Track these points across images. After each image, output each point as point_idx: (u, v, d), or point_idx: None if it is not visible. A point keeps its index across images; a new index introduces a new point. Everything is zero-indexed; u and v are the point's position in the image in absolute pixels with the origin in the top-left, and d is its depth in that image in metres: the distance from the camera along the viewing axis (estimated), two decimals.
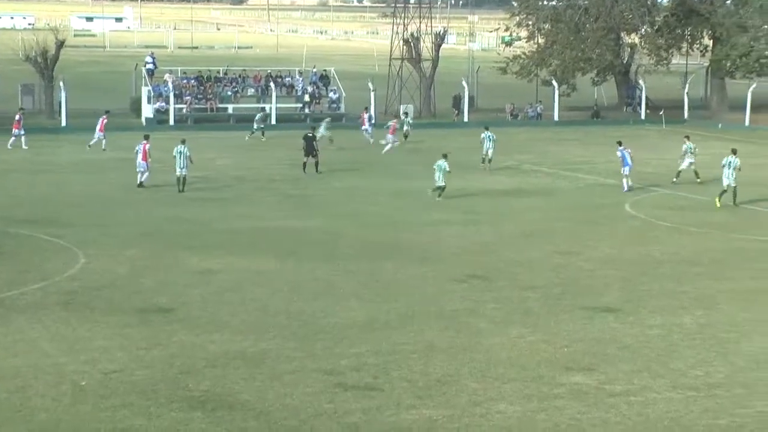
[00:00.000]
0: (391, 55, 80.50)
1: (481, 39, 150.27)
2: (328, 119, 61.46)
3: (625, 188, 46.49)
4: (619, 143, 47.53)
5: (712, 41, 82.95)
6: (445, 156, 44.47)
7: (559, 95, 77.44)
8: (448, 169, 43.85)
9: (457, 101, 77.74)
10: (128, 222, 38.22)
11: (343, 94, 74.53)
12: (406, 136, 61.52)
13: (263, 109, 68.43)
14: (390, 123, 59.47)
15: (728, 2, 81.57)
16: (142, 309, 26.88)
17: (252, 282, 29.81)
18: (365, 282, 30.14)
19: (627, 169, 46.48)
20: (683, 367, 23.12)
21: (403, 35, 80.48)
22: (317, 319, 26.27)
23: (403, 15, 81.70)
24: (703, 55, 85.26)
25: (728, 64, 78.97)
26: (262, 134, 62.93)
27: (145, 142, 45.51)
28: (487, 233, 37.60)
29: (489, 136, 52.72)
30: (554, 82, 78.03)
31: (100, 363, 22.64)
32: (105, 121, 58.20)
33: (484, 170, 51.83)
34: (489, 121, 64.61)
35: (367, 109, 62.91)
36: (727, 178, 43.34)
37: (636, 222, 40.31)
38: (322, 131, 56.81)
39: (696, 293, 29.49)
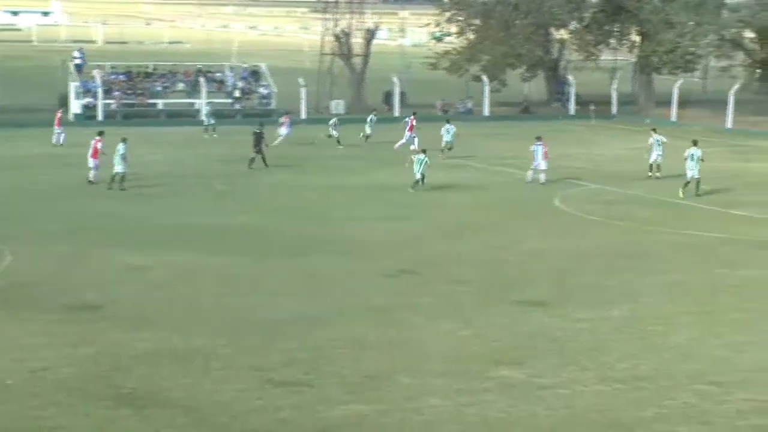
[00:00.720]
0: (322, 51, 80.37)
1: (412, 35, 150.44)
2: (335, 119, 61.22)
3: (529, 179, 47.44)
4: (538, 138, 48.09)
5: (639, 37, 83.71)
6: (424, 151, 46.19)
7: (490, 91, 77.77)
8: (427, 160, 45.21)
9: (387, 97, 77.78)
10: (56, 218, 37.85)
11: (274, 89, 74.29)
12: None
13: (210, 104, 67.91)
14: (281, 119, 59.50)
15: None
16: (70, 306, 26.65)
17: (181, 278, 29.67)
18: (296, 277, 30.12)
19: (537, 164, 47.30)
20: (610, 360, 23.36)
21: (334, 31, 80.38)
22: (247, 315, 26.21)
23: (333, 10, 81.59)
24: (630, 51, 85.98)
25: (655, 60, 79.73)
26: (213, 130, 62.42)
27: (97, 138, 44.92)
28: (418, 228, 37.72)
29: (448, 129, 55.15)
30: (484, 78, 78.36)
31: (27, 361, 22.42)
32: (60, 115, 57.87)
33: (442, 159, 52.76)
34: (444, 115, 64.68)
35: (288, 113, 61.76)
36: (691, 170, 44.28)
37: (565, 216, 40.63)
38: (332, 131, 58.71)
39: (623, 287, 29.81)
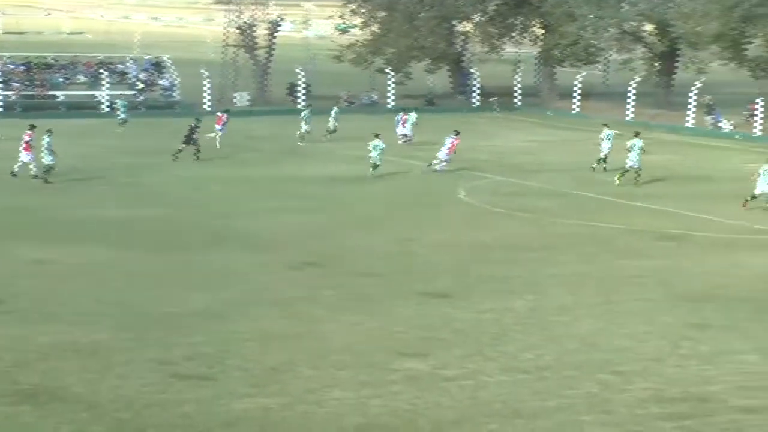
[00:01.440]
0: (225, 42, 79.88)
1: (317, 27, 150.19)
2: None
3: (426, 167, 48.32)
4: (456, 132, 48.51)
5: (542, 30, 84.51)
6: (377, 135, 47.45)
7: (394, 83, 77.94)
8: (382, 146, 46.99)
9: (292, 89, 77.60)
10: None
11: (177, 81, 73.69)
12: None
13: (123, 95, 67.03)
14: (218, 114, 58.86)
15: None
16: None
17: (84, 272, 29.32)
18: (200, 271, 29.92)
19: (442, 154, 48.05)
20: (514, 350, 23.57)
21: (238, 22, 79.94)
22: (151, 309, 25.98)
23: (237, 2, 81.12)
24: (533, 44, 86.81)
25: (558, 53, 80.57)
26: (124, 123, 61.60)
27: (29, 132, 44.16)
28: (322, 220, 37.69)
29: (403, 118, 58.66)
30: (389, 70, 78.52)
31: None
32: None
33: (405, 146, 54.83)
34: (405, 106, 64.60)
35: (227, 112, 60.07)
36: (631, 160, 45.44)
37: (469, 208, 40.89)
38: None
39: (526, 278, 30.08)
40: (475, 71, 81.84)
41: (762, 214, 39.81)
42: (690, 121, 68.15)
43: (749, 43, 70.69)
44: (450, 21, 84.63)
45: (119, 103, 63.34)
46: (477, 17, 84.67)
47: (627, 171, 45.38)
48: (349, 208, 40.23)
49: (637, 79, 73.46)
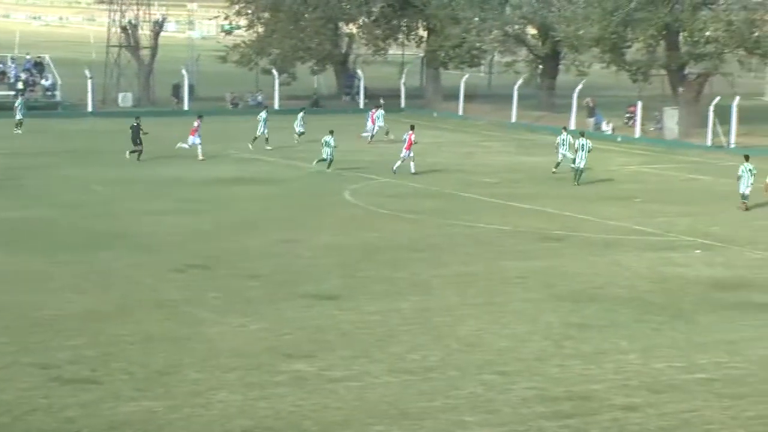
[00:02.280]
0: (108, 43, 78.83)
1: (201, 27, 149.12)
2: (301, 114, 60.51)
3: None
4: (331, 132, 48.68)
5: (427, 32, 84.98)
6: (331, 132, 49.51)
7: (280, 84, 77.73)
8: (334, 144, 48.91)
9: (176, 89, 76.88)
10: None
11: (59, 81, 72.56)
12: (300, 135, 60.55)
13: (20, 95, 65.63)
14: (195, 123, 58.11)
15: None
16: None
17: None
18: (82, 273, 29.52)
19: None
20: (400, 351, 23.65)
21: (121, 22, 78.97)
22: (32, 312, 25.53)
23: (120, 1, 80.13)
24: (418, 46, 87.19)
25: (442, 55, 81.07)
26: (20, 123, 60.29)
27: None
28: (207, 222, 37.43)
29: (381, 114, 61.19)
30: (274, 71, 78.27)
31: None
32: None
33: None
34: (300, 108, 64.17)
35: (200, 117, 58.55)
36: (580, 159, 47.07)
37: (355, 210, 40.95)
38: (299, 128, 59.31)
39: (412, 279, 30.22)
40: (360, 73, 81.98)
41: (642, 215, 40.52)
42: (572, 123, 69.07)
43: (629, 47, 71.86)
44: (335, 22, 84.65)
45: (18, 103, 62.10)
46: (362, 19, 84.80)
47: (581, 170, 47.02)
48: (234, 209, 40.00)
49: (520, 81, 74.23)
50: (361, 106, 78.56)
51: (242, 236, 35.27)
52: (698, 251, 34.53)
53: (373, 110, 62.51)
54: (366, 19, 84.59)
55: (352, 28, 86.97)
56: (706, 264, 32.87)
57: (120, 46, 78.00)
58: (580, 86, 69.74)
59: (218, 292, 28.10)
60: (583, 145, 47.21)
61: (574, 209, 41.17)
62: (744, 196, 42.57)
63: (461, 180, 47.66)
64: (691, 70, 70.35)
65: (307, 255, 32.97)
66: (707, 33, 68.27)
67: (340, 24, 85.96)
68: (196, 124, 52.51)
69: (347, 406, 20.32)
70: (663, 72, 70.27)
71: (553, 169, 49.73)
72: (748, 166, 43.00)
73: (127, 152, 50.92)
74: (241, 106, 76.63)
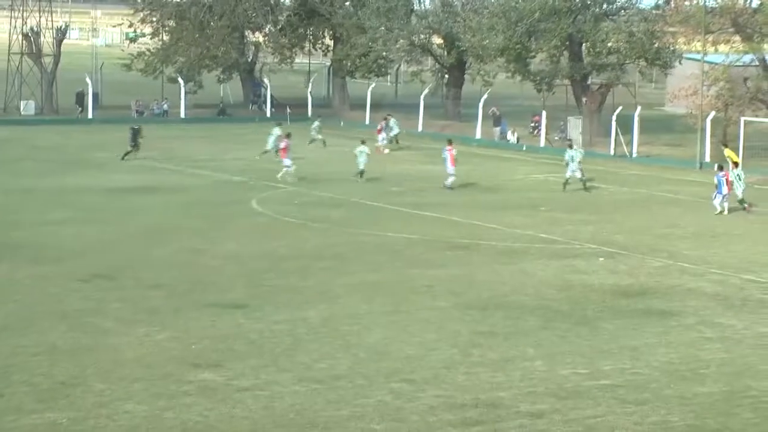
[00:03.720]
0: (9, 50, 77.69)
1: (105, 34, 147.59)
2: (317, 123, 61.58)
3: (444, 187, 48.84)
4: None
5: (333, 41, 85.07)
6: (363, 142, 50.79)
7: (186, 92, 77.24)
8: (368, 151, 50.08)
9: (80, 98, 76.01)
10: None
11: None
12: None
13: None
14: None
15: (347, 3, 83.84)
16: None
17: None
18: None
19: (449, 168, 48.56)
20: (308, 360, 23.60)
21: (23, 29, 77.87)
22: None
23: (21, 8, 79.04)
24: (325, 55, 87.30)
25: (349, 64, 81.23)
26: None
27: None
28: (111, 231, 37.04)
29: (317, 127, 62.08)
30: (180, 80, 77.75)
31: None
32: None
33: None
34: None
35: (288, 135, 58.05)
36: (572, 171, 48.80)
37: (262, 218, 40.81)
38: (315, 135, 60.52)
39: (319, 287, 30.18)
40: (267, 81, 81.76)
41: (547, 224, 40.91)
42: (478, 132, 69.59)
43: (533, 57, 72.68)
44: (241, 31, 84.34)
45: None
46: (268, 27, 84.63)
47: (568, 180, 48.94)
48: (138, 219, 39.62)
49: (426, 90, 74.63)
50: (268, 114, 78.35)
51: (148, 245, 34.95)
52: (602, 259, 34.95)
53: (382, 122, 63.35)
54: (272, 28, 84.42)
55: (258, 37, 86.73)
56: (609, 271, 33.29)
57: (22, 54, 76.92)
58: (485, 96, 70.29)
59: (123, 302, 27.81)
60: (572, 156, 49.12)
61: (480, 218, 41.44)
62: (742, 201, 44.63)
63: (368, 189, 47.73)
64: (594, 80, 71.37)
65: (213, 264, 32.77)
66: (609, 44, 69.42)
67: (247, 32, 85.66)
68: (284, 144, 50.92)
69: (255, 416, 20.21)
70: (567, 82, 71.18)
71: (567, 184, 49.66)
72: (737, 172, 45.06)
73: (125, 153, 53.18)
74: (146, 114, 75.98)
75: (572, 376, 23.02)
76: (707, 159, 58.29)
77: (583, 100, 69.39)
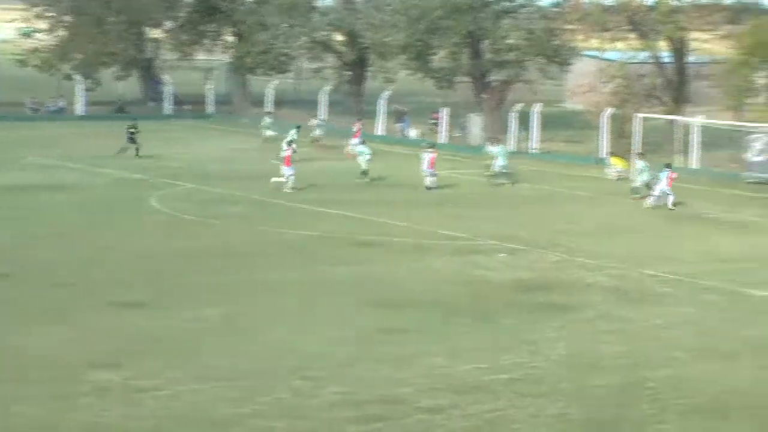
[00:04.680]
0: None
1: (1, 30, 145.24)
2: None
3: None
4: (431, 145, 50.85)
5: (234, 38, 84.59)
6: (363, 142, 52.19)
7: (83, 89, 76.23)
8: (369, 151, 50.44)
9: None
10: None
11: None
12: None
13: None
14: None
15: (249, 0, 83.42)
16: None
17: None
18: None
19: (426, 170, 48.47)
20: (209, 358, 23.47)
21: None
22: None
23: None
24: (226, 52, 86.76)
25: (249, 61, 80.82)
26: None
27: None
28: (10, 230, 36.48)
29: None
30: (77, 76, 76.71)
31: None
32: None
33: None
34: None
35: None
36: (499, 166, 50.50)
37: (163, 216, 40.46)
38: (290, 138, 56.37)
39: (221, 285, 30.01)
40: (167, 78, 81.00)
41: (450, 220, 41.13)
42: (380, 129, 69.72)
43: (434, 54, 73.01)
44: (140, 27, 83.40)
45: None
46: (168, 24, 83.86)
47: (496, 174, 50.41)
48: (39, 217, 39.06)
49: (328, 87, 74.56)
50: (168, 112, 77.65)
51: (47, 244, 34.49)
52: (503, 255, 35.25)
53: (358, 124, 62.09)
54: (172, 24, 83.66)
55: (157, 33, 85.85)
56: (510, 267, 33.59)
57: None
58: (387, 93, 70.43)
59: (23, 300, 27.46)
60: (500, 151, 51.24)
61: (384, 215, 41.51)
62: (636, 190, 46.98)
63: (270, 186, 47.54)
64: (495, 77, 71.89)
65: (114, 262, 32.42)
66: (509, 41, 69.99)
67: (146, 29, 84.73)
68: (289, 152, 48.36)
69: (154, 415, 20.05)
70: (467, 79, 71.61)
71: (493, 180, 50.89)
72: (643, 163, 47.50)
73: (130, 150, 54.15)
74: (41, 111, 74.81)
75: (473, 371, 23.19)
76: (605, 155, 59.07)
77: (484, 96, 69.88)
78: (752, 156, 52.91)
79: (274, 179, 46.69)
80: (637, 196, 46.42)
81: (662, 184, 44.98)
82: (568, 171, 55.89)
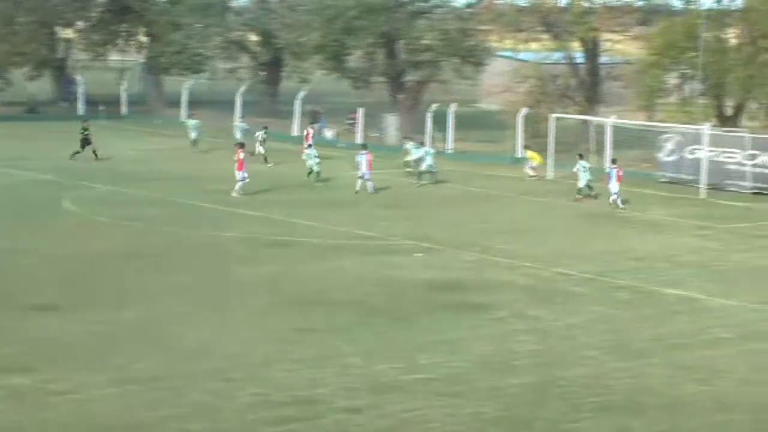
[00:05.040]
0: None
1: None
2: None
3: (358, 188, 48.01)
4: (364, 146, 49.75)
5: (148, 38, 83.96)
6: (310, 145, 52.65)
7: None
8: (316, 153, 50.86)
9: None
10: None
11: None
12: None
13: None
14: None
15: (162, 0, 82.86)
16: None
17: None
18: None
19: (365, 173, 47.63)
20: (124, 361, 23.31)
21: None
22: None
23: None
24: (139, 52, 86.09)
25: (163, 61, 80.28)
26: None
27: None
28: None
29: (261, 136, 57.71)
30: None
31: None
32: None
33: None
34: None
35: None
36: (427, 163, 50.90)
37: (76, 218, 40.10)
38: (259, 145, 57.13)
39: (136, 287, 29.84)
40: (79, 78, 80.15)
41: (365, 220, 41.23)
42: (296, 129, 69.62)
43: (349, 54, 73.11)
44: (51, 27, 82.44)
45: None
46: (80, 24, 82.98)
47: (423, 172, 50.93)
48: None
49: (243, 87, 74.30)
50: (81, 112, 76.80)
51: None
52: (418, 254, 35.42)
53: (309, 129, 61.08)
54: (84, 24, 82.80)
55: (69, 33, 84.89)
56: (425, 266, 33.76)
57: None
58: (302, 93, 70.38)
59: None
60: (427, 150, 52.04)
61: (299, 215, 41.49)
62: (580, 191, 47.38)
63: (186, 187, 47.27)
64: (410, 77, 72.15)
65: (26, 265, 32.08)
66: (424, 41, 70.30)
67: (57, 28, 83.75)
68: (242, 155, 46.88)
69: (69, 420, 19.89)
70: (383, 79, 71.80)
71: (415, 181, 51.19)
72: (583, 163, 47.64)
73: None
74: None
75: (389, 371, 23.29)
76: (520, 155, 59.60)
77: (400, 97, 70.10)
78: (664, 156, 53.65)
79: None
80: (580, 196, 47.17)
81: (613, 182, 45.89)
82: (483, 171, 56.24)
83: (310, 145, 54.48)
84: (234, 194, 45.02)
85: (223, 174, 47.97)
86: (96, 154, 54.40)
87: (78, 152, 54.15)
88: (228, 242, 36.65)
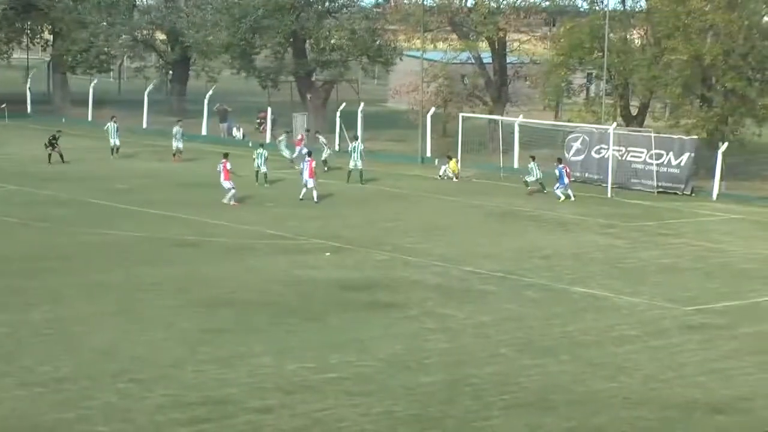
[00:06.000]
0: None
1: None
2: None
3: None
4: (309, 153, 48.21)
5: (53, 36, 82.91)
6: (261, 145, 51.29)
7: None
8: (266, 154, 49.57)
9: None
10: None
11: None
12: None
13: None
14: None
15: None
16: None
17: None
18: None
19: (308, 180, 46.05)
20: (31, 363, 23.01)
21: None
22: None
23: None
24: (44, 50, 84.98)
25: (69, 60, 79.34)
26: None
27: None
28: None
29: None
30: None
31: None
32: None
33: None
34: None
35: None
36: (354, 161, 51.31)
37: None
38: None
39: (44, 288, 29.46)
40: None
41: (275, 220, 41.14)
42: (204, 128, 69.22)
43: (257, 53, 72.93)
44: None
45: None
46: None
47: (351, 171, 51.34)
48: None
49: (150, 86, 73.69)
50: None
51: None
52: (328, 254, 35.40)
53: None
54: None
55: None
56: (336, 266, 33.76)
57: None
58: (210, 92, 70.01)
59: None
60: (355, 147, 51.90)
61: (208, 215, 41.27)
62: (526, 183, 49.90)
63: (93, 187, 46.79)
64: (319, 76, 72.14)
65: None
66: (332, 41, 70.40)
67: None
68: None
69: None
70: (292, 78, 71.67)
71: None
72: (536, 164, 49.89)
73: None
74: None
75: (300, 370, 23.27)
76: (428, 154, 59.90)
77: (308, 96, 70.04)
78: (571, 156, 54.23)
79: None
80: (532, 189, 49.69)
81: (563, 179, 48.14)
82: (392, 170, 56.38)
83: (287, 146, 54.77)
84: (224, 201, 44.25)
85: (130, 173, 47.56)
86: (62, 158, 54.07)
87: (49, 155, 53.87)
88: (137, 242, 36.32)
